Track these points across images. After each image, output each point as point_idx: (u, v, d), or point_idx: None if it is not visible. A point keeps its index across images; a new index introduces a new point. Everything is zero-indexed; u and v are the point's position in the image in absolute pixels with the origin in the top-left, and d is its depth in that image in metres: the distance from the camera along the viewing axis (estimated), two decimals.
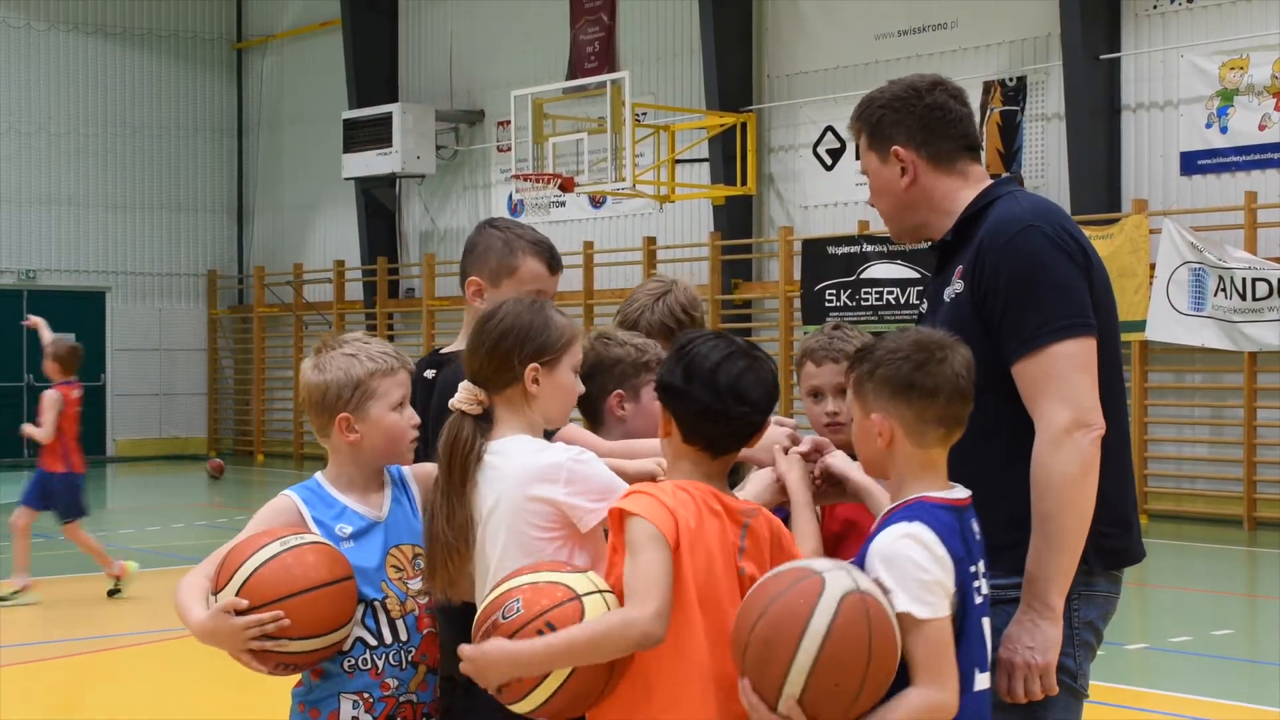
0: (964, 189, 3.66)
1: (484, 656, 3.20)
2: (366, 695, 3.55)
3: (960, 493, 3.23)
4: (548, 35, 22.43)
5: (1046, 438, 3.36)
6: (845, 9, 19.19)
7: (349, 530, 3.60)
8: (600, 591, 3.20)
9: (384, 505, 3.68)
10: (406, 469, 3.77)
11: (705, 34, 19.95)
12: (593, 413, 4.02)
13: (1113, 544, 3.53)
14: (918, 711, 3.04)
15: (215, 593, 3.46)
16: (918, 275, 17.60)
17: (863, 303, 18.15)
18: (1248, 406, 15.64)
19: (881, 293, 18.03)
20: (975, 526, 3.24)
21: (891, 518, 3.18)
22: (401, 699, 3.59)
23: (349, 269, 25.62)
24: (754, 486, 3.54)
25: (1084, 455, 3.35)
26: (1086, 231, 13.93)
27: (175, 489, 22.77)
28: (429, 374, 4.08)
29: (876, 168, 3.70)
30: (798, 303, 19.04)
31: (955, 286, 3.56)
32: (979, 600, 3.20)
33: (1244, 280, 15.21)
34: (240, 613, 3.38)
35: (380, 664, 3.56)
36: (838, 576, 3.02)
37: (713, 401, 3.22)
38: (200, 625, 3.46)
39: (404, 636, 3.59)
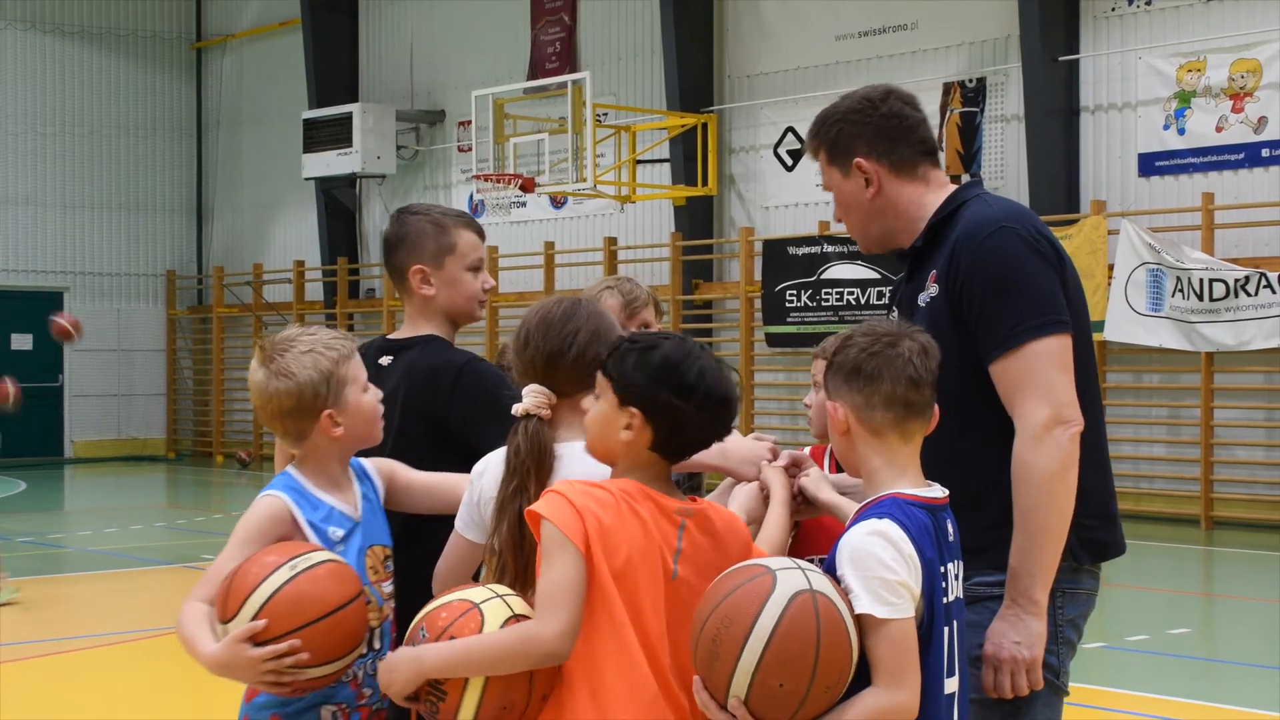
0: (928, 194, 3.68)
1: (389, 665, 3.20)
2: (345, 706, 3.49)
3: (937, 491, 3.22)
4: (508, 35, 22.41)
5: (1026, 435, 3.39)
6: (806, 10, 19.24)
7: (340, 534, 3.52)
8: (500, 596, 3.18)
9: (358, 504, 3.60)
10: (368, 464, 3.70)
11: (666, 35, 19.98)
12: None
13: (1097, 536, 3.58)
14: (874, 713, 3.00)
15: (225, 621, 3.30)
16: (878, 276, 17.67)
17: (823, 303, 18.21)
18: (1205, 407, 15.74)
19: (842, 293, 18.09)
20: (951, 527, 3.23)
21: (864, 514, 3.15)
22: (375, 707, 3.53)
23: (309, 269, 25.54)
24: (740, 500, 3.52)
25: (1064, 451, 3.39)
26: None
27: (134, 490, 22.65)
28: (384, 360, 4.07)
29: (839, 183, 3.71)
30: (759, 303, 19.09)
31: (930, 291, 3.58)
32: (948, 601, 3.17)
33: (1201, 281, 15.30)
34: (258, 640, 3.24)
35: (360, 674, 3.49)
36: (790, 576, 2.99)
37: (681, 403, 3.16)
38: (213, 657, 3.29)
39: (378, 644, 3.52)
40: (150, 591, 12.60)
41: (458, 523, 3.52)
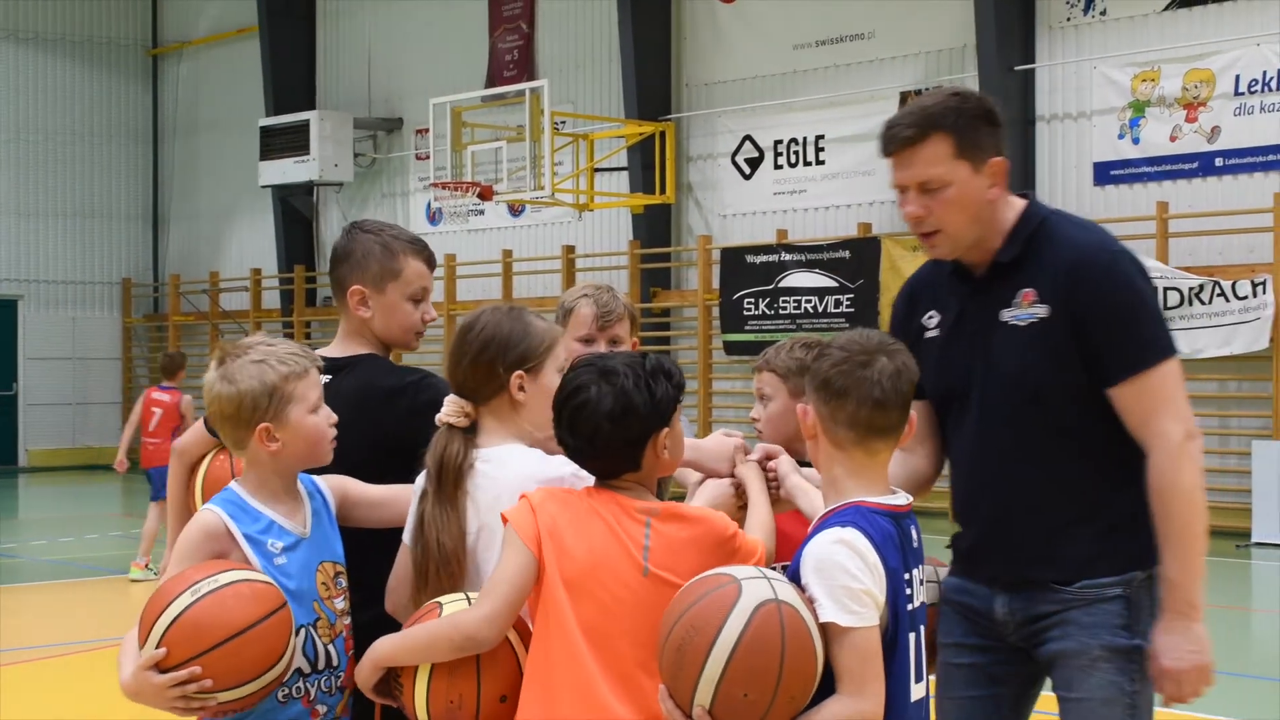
0: (1009, 207, 3.72)
1: (358, 666, 3.32)
2: None
3: (901, 499, 3.23)
4: (466, 43, 22.37)
5: (1168, 452, 3.54)
6: (763, 19, 19.25)
7: (280, 545, 3.47)
8: (466, 596, 3.26)
9: (307, 520, 3.55)
10: (320, 480, 3.66)
11: (624, 43, 19.98)
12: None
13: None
14: None
15: (141, 646, 3.30)
16: (836, 284, 17.73)
17: (781, 311, 18.24)
18: None
19: (800, 301, 18.13)
20: (915, 533, 3.25)
21: (827, 521, 3.16)
22: None
23: (266, 277, 25.44)
24: (709, 494, 3.56)
25: (1199, 463, 3.59)
26: None
27: (89, 499, 22.49)
28: (324, 379, 3.98)
29: (966, 177, 3.61)
30: (716, 311, 19.09)
31: (1035, 311, 3.62)
32: (912, 608, 3.20)
33: (1156, 289, 15.37)
34: (161, 665, 3.25)
35: (313, 691, 3.45)
36: (756, 585, 3.00)
37: (560, 434, 3.27)
38: (125, 685, 3.34)
39: (334, 661, 3.49)
40: (105, 602, 12.51)
41: (406, 535, 3.54)
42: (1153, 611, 3.60)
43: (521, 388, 3.49)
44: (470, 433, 3.47)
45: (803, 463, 3.89)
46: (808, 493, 3.49)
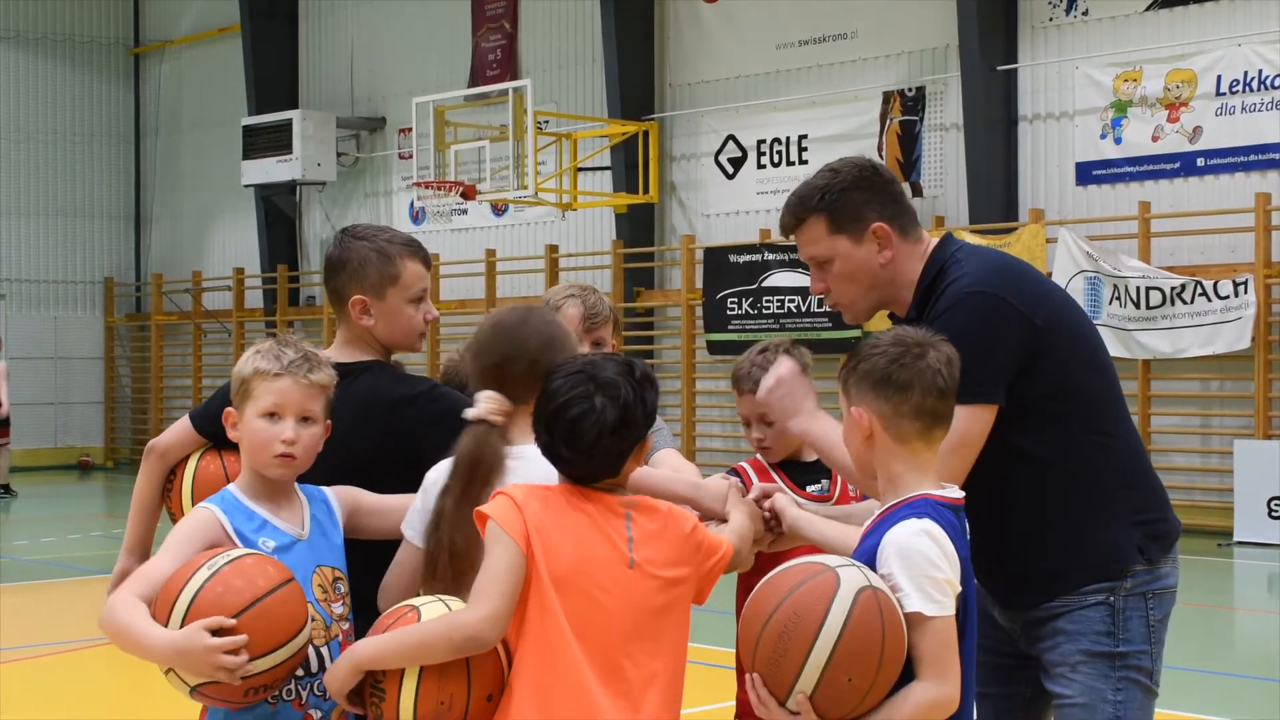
0: (919, 259, 3.76)
1: (330, 668, 3.28)
2: None
3: (956, 492, 3.32)
4: (449, 42, 22.35)
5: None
6: (746, 19, 19.26)
7: (271, 545, 3.47)
8: (441, 600, 3.25)
9: (305, 523, 3.56)
10: (329, 490, 3.66)
11: (607, 43, 19.97)
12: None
13: (1164, 527, 3.78)
14: (923, 707, 3.11)
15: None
16: None
17: (764, 310, 18.24)
18: (1142, 413, 15.88)
19: (783, 300, 18.14)
20: (965, 526, 3.35)
21: (898, 512, 3.23)
22: None
23: (249, 276, 25.39)
24: (742, 518, 3.59)
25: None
26: (985, 241, 14.07)
27: (72, 499, 22.44)
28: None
29: (848, 250, 3.70)
30: (700, 310, 19.09)
31: None
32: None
33: (1138, 289, 15.45)
34: (215, 634, 3.21)
35: (305, 695, 3.44)
36: (850, 573, 3.08)
37: (549, 443, 3.27)
38: (169, 644, 3.22)
39: (329, 664, 3.44)
40: (88, 602, 12.47)
41: (407, 530, 3.54)
42: (1147, 622, 3.68)
43: None
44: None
45: (801, 470, 4.12)
46: (813, 522, 3.59)
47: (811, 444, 3.77)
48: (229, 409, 3.59)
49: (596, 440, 3.22)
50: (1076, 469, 3.66)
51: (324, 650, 3.47)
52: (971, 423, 3.50)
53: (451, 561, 3.34)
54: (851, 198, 3.69)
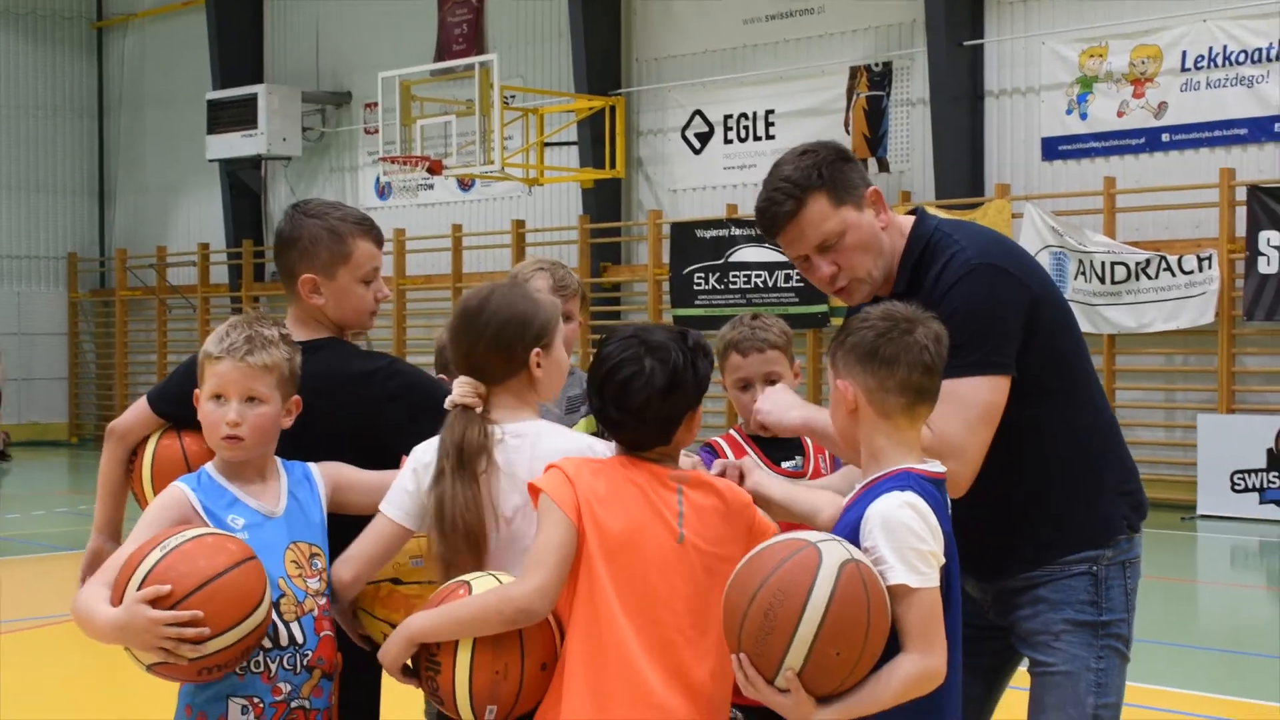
0: (896, 231, 3.78)
1: (384, 645, 3.33)
2: (257, 700, 3.42)
3: (938, 466, 3.33)
4: (415, 17, 22.27)
5: (932, 449, 3.61)
6: None
7: (241, 522, 3.49)
8: (493, 575, 3.29)
9: (280, 499, 3.58)
10: (314, 466, 3.68)
11: (574, 17, 19.92)
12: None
13: (1141, 498, 3.89)
14: (910, 679, 3.12)
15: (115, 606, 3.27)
16: (785, 259, 17.66)
17: (731, 286, 18.23)
18: (1106, 388, 15.92)
19: (750, 276, 18.13)
20: (947, 500, 3.37)
21: (880, 485, 3.24)
22: (294, 704, 3.46)
23: (214, 252, 25.27)
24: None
25: (952, 473, 3.58)
26: (952, 216, 14.18)
27: (35, 476, 22.32)
28: None
29: (855, 220, 3.68)
30: (666, 286, 19.07)
31: None
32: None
33: (1103, 264, 15.53)
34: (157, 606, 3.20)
35: (274, 667, 3.43)
36: (831, 547, 3.09)
37: (601, 406, 3.33)
38: (112, 619, 3.23)
39: (300, 639, 3.46)
40: (52, 578, 12.43)
41: (388, 507, 3.53)
42: (1125, 590, 3.75)
43: (539, 364, 3.51)
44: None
45: (777, 446, 4.25)
46: (778, 481, 3.62)
47: (812, 429, 3.73)
48: (196, 390, 3.60)
49: (646, 403, 3.27)
50: (1069, 441, 3.71)
51: (294, 625, 3.47)
52: (996, 393, 3.54)
53: (466, 544, 3.38)
54: (841, 169, 3.69)
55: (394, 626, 3.39)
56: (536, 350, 3.50)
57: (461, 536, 3.37)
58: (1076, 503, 3.70)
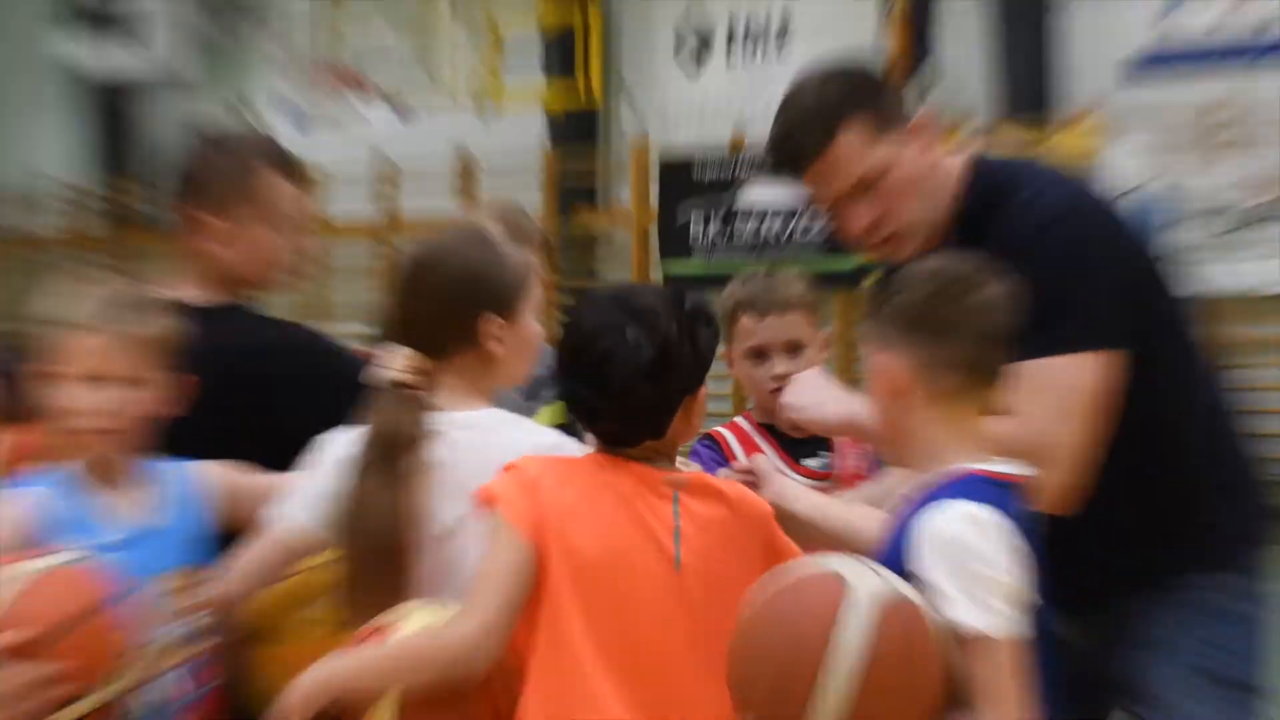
0: (943, 172, 3.76)
1: (294, 686, 3.08)
2: None
3: (1018, 467, 3.11)
4: None
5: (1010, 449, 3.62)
6: None
7: (101, 541, 3.36)
8: (432, 608, 3.12)
9: (151, 515, 3.48)
10: (193, 469, 3.59)
11: None
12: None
13: (1271, 503, 4.02)
14: None
15: None
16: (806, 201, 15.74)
17: (737, 236, 16.99)
18: (1226, 362, 14.00)
19: (761, 222, 16.86)
20: (1030, 513, 3.19)
21: (934, 493, 2.97)
22: None
23: (70, 189, 23.34)
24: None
25: (1051, 483, 3.57)
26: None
27: None
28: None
29: (898, 154, 3.56)
30: (655, 235, 17.77)
31: None
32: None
33: (1211, 210, 14.40)
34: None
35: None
36: (864, 576, 2.83)
37: (573, 390, 3.17)
38: None
39: (175, 694, 3.42)
40: None
41: (293, 510, 3.36)
42: (1259, 627, 3.69)
43: (499, 338, 3.32)
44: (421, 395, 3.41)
45: (797, 442, 4.06)
46: (805, 493, 3.45)
47: (859, 428, 3.43)
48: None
49: (630, 385, 3.05)
50: (1174, 433, 3.56)
51: (168, 678, 3.37)
52: (1100, 375, 3.37)
53: (384, 562, 3.13)
54: (881, 90, 3.63)
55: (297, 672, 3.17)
56: (498, 319, 3.31)
57: (378, 555, 3.17)
58: (1192, 511, 3.59)
